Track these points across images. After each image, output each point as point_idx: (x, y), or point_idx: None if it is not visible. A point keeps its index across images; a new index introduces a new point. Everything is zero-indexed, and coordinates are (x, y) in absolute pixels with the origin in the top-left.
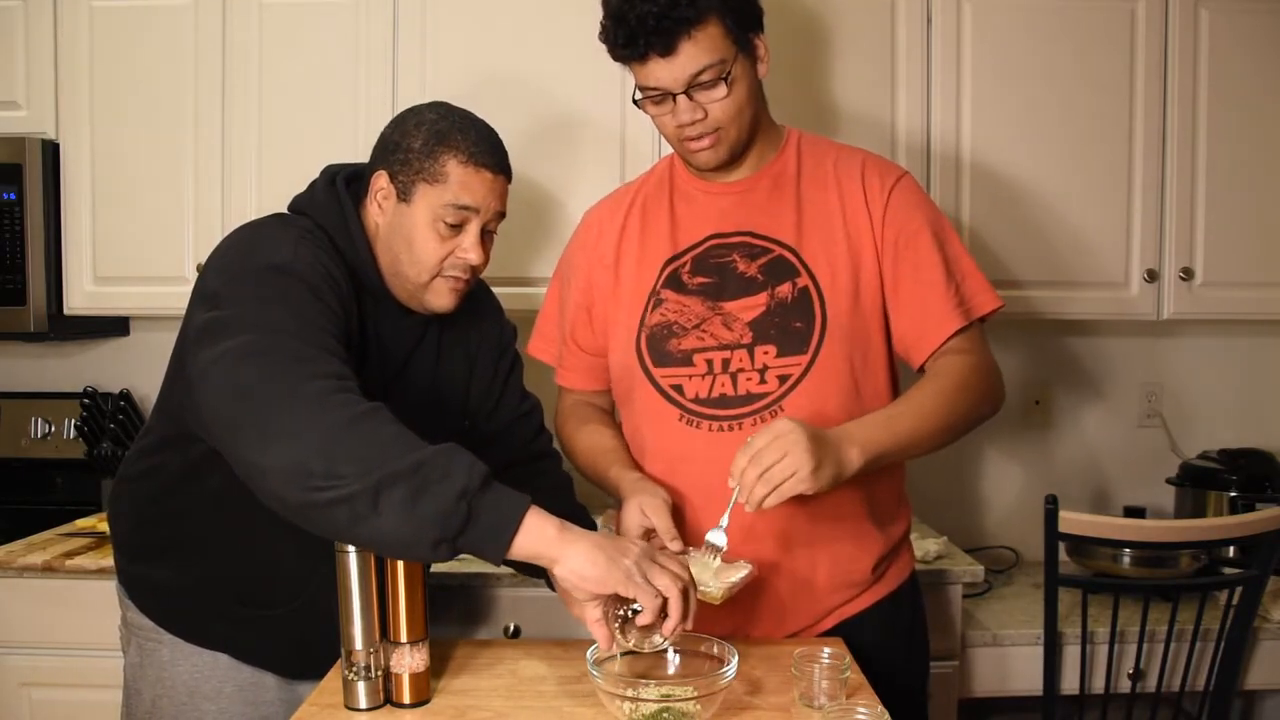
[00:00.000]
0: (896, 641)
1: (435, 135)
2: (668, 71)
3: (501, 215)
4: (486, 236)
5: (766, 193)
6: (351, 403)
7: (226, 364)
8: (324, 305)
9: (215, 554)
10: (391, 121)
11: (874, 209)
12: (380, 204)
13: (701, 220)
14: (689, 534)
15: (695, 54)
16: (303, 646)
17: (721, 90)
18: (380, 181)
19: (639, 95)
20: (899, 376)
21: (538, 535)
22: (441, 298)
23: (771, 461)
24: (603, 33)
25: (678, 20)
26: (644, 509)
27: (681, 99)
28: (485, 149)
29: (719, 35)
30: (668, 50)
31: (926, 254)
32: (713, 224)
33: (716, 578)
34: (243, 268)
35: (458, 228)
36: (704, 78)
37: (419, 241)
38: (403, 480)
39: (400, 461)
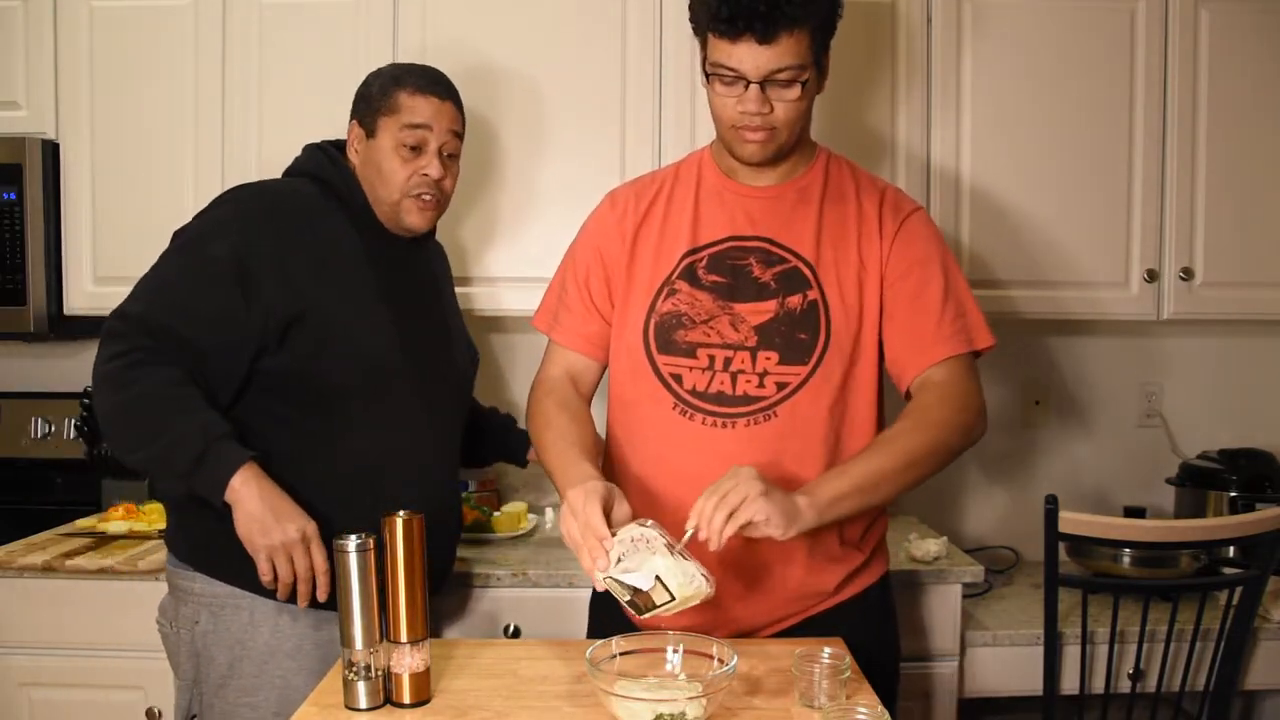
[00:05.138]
0: (860, 640)
1: (390, 80)
2: (753, 59)
3: (457, 136)
4: (448, 161)
5: (791, 204)
6: (128, 382)
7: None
8: (197, 280)
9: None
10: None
11: (885, 237)
12: (356, 148)
13: (724, 220)
14: (670, 522)
15: (786, 51)
16: None
17: (795, 92)
18: (353, 130)
19: (709, 72)
20: (884, 402)
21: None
22: (413, 215)
23: (733, 501)
24: (700, 3)
25: (786, 15)
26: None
27: (754, 88)
28: (429, 80)
29: (807, 42)
30: (766, 39)
31: (927, 283)
32: (734, 225)
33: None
34: (179, 234)
35: (417, 149)
36: (782, 76)
37: (386, 165)
38: (163, 452)
39: (155, 443)
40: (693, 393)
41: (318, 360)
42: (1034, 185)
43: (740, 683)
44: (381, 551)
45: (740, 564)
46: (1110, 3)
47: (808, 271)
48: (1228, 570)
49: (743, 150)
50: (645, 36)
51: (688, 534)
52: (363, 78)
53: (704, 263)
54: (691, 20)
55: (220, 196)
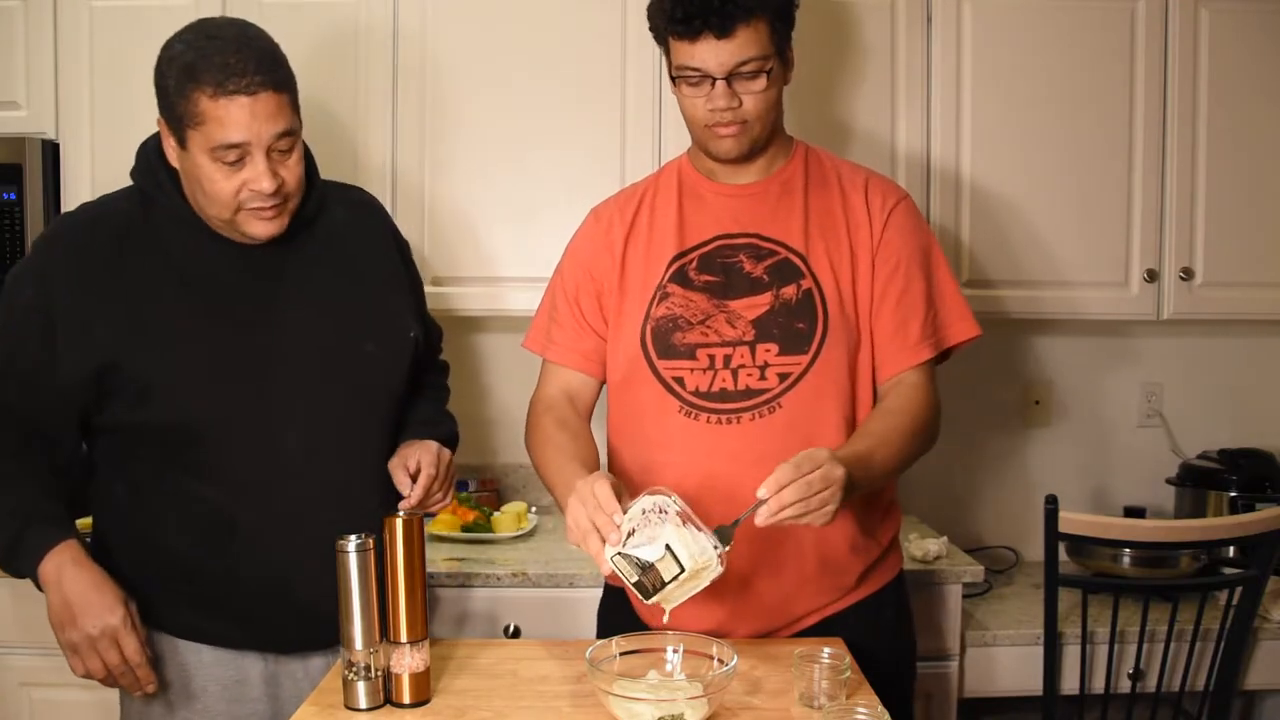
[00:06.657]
0: (879, 640)
1: (183, 72)
2: (715, 55)
3: (286, 134)
4: (281, 158)
5: (776, 198)
6: None
7: None
8: (7, 335)
9: (152, 542)
10: None
11: (874, 225)
12: (171, 149)
13: (710, 220)
14: None
15: (746, 43)
16: (269, 612)
17: (761, 83)
18: (162, 128)
19: (675, 75)
20: None
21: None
22: (255, 226)
23: (816, 491)
24: (656, 7)
25: (740, 6)
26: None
27: (720, 84)
28: (234, 73)
29: (767, 32)
30: (724, 32)
31: (914, 280)
32: (721, 224)
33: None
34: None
35: (239, 161)
36: (747, 68)
37: (207, 183)
38: None
39: None
40: (696, 393)
41: (143, 409)
42: (1034, 185)
43: (740, 683)
44: (381, 551)
45: (760, 552)
46: (1110, 2)
47: (799, 261)
48: (1228, 570)
49: (718, 147)
50: (645, 37)
51: (752, 509)
52: (362, 76)
53: (694, 264)
54: (651, 29)
55: (46, 229)
